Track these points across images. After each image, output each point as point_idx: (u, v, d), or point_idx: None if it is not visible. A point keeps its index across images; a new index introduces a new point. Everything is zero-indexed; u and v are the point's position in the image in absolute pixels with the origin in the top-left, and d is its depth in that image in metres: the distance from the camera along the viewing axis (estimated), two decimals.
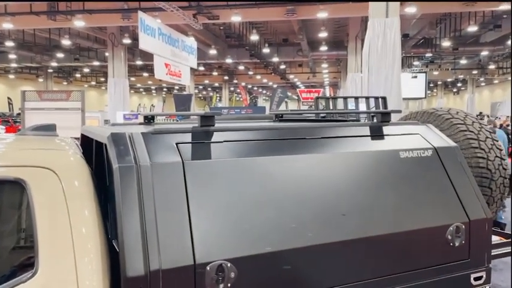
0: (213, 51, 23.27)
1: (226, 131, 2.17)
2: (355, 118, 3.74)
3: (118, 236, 1.73)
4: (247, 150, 2.14)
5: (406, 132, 2.57)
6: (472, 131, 2.79)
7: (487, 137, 2.79)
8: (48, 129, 2.30)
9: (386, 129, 2.52)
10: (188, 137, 2.04)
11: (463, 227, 2.36)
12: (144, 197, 1.78)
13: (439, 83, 41.69)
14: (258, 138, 2.23)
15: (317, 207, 2.11)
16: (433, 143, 2.52)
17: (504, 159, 2.76)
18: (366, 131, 2.48)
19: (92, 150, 2.81)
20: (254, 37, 21.11)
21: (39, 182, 1.71)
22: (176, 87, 39.28)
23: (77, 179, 1.80)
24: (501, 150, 2.78)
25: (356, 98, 5.04)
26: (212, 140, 2.08)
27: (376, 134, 2.48)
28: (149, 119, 2.83)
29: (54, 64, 27.70)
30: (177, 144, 1.98)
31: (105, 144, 2.01)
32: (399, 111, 2.75)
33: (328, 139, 2.35)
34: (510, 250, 2.99)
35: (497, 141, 2.83)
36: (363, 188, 2.27)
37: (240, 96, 41.92)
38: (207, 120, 2.10)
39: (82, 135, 2.99)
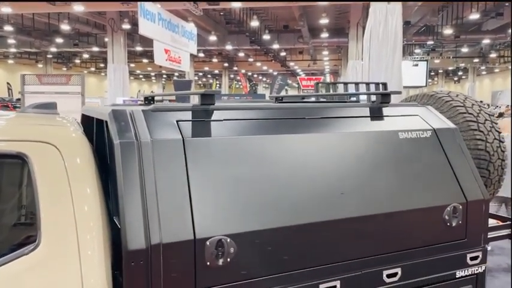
0: (213, 38, 23.09)
1: (226, 109, 2.18)
2: (355, 100, 3.74)
3: (119, 210, 1.75)
4: (247, 128, 2.16)
5: (405, 113, 2.58)
6: (471, 113, 2.80)
7: (486, 120, 2.80)
8: (49, 107, 2.30)
9: (385, 111, 2.53)
10: (188, 115, 2.05)
11: (460, 207, 2.38)
12: (145, 173, 1.80)
13: (440, 71, 41.52)
14: (258, 117, 2.24)
15: (316, 186, 2.13)
16: (432, 124, 2.53)
17: (503, 142, 2.77)
18: (366, 111, 2.49)
19: (92, 131, 2.82)
20: (254, 23, 20.93)
21: (40, 156, 1.72)
22: (176, 74, 39.10)
23: (78, 154, 1.82)
24: (500, 132, 2.80)
25: (356, 84, 5.03)
26: (212, 118, 2.09)
27: (376, 114, 2.49)
28: (149, 100, 2.84)
29: (53, 49, 27.52)
30: (177, 121, 2.00)
31: (106, 122, 2.02)
32: (399, 93, 2.76)
33: (327, 119, 2.36)
34: (507, 233, 3.02)
35: (496, 123, 2.84)
36: (362, 167, 2.29)
37: (239, 83, 41.78)
38: (207, 98, 2.11)
39: (83, 115, 3.00)
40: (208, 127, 2.05)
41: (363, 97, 3.69)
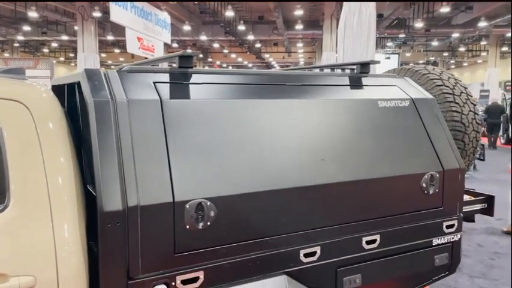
0: (187, 28, 22.78)
1: (205, 73, 2.13)
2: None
3: (94, 170, 1.67)
4: (226, 92, 2.11)
5: (384, 83, 2.59)
6: (447, 86, 2.84)
7: (461, 92, 2.85)
8: (18, 72, 2.18)
9: (365, 80, 2.53)
10: (166, 77, 1.99)
11: (437, 175, 2.41)
12: (120, 133, 1.73)
13: (411, 64, 42.36)
14: (238, 82, 2.20)
15: (295, 151, 2.11)
16: (411, 94, 2.55)
17: (477, 114, 2.82)
18: (345, 80, 2.48)
19: (63, 104, 2.71)
20: (229, 14, 20.77)
21: (8, 114, 1.63)
22: None
23: (48, 114, 1.73)
24: (475, 105, 2.85)
25: (332, 69, 5.04)
26: (191, 81, 2.03)
27: (355, 83, 2.49)
28: None
29: (20, 38, 26.55)
30: (154, 83, 1.93)
31: (79, 83, 1.93)
32: (377, 62, 2.77)
33: (308, 86, 2.34)
34: (479, 208, 3.09)
35: (472, 96, 2.89)
36: (342, 134, 2.28)
37: None
38: (185, 61, 2.04)
39: (53, 87, 2.88)
40: (186, 89, 1.99)
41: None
